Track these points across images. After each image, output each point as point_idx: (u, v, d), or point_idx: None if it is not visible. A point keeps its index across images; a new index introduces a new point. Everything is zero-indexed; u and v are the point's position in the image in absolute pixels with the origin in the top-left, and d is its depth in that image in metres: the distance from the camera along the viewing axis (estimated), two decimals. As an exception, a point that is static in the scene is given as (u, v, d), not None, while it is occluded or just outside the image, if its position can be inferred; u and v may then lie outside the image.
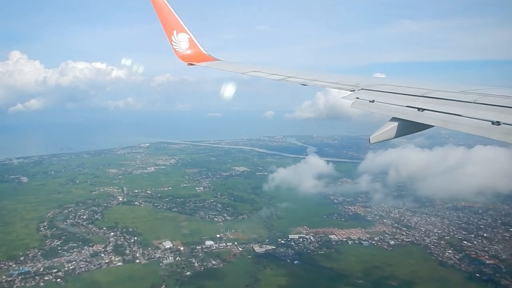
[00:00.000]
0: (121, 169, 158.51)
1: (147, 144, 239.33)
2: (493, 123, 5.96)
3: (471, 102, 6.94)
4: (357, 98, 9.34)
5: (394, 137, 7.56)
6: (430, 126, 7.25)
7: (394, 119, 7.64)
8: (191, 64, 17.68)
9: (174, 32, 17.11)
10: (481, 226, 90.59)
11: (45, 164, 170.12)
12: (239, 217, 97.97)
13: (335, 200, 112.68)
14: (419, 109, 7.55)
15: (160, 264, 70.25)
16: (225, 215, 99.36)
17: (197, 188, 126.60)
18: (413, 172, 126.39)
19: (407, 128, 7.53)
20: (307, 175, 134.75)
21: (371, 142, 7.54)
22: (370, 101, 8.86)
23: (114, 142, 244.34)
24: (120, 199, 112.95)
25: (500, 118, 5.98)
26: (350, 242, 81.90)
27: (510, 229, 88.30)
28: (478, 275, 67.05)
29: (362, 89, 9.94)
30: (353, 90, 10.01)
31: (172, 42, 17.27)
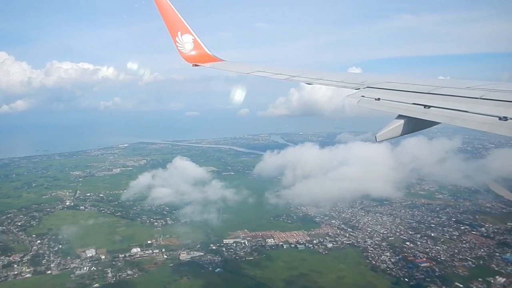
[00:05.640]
0: (86, 171, 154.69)
1: (126, 145, 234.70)
2: (500, 118, 5.92)
3: (477, 98, 6.90)
4: (363, 96, 9.16)
5: (401, 135, 7.46)
6: (436, 123, 7.22)
7: (400, 116, 7.54)
8: (196, 65, 17.63)
9: (179, 33, 17.14)
10: (432, 225, 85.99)
11: (11, 167, 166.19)
12: (182, 221, 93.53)
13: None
14: (425, 106, 7.45)
15: (72, 275, 65.76)
16: (167, 219, 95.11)
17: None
18: (306, 173, 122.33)
19: (414, 125, 7.47)
20: (176, 179, 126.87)
21: (377, 140, 7.47)
22: (375, 99, 8.70)
23: (94, 143, 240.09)
24: (67, 203, 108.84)
25: (507, 113, 5.95)
26: (285, 246, 77.37)
27: (462, 227, 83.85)
28: (406, 279, 62.52)
29: (367, 87, 9.79)
30: (358, 89, 9.84)
31: (177, 43, 17.32)
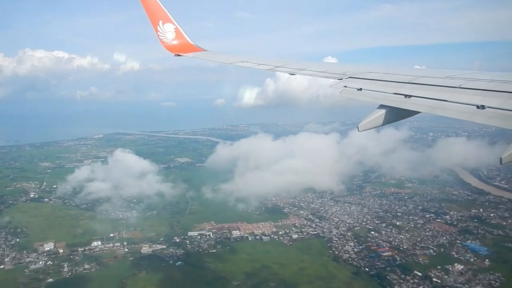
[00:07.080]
0: (56, 163, 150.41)
1: (101, 135, 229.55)
2: (478, 107, 6.01)
3: (456, 87, 7.00)
4: (345, 86, 9.20)
5: (382, 125, 7.56)
6: (417, 112, 7.27)
7: (381, 106, 7.58)
8: (178, 55, 17.37)
9: (160, 23, 16.75)
10: (398, 214, 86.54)
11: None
12: (148, 213, 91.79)
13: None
14: (406, 95, 7.55)
15: (26, 270, 63.66)
16: (134, 211, 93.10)
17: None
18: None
19: (395, 115, 7.49)
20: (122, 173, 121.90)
21: (359, 130, 7.49)
22: (357, 89, 8.77)
23: (68, 134, 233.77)
24: (31, 196, 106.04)
25: (484, 102, 6.04)
26: (250, 238, 76.65)
27: (427, 215, 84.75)
28: (367, 269, 62.40)
29: (349, 77, 9.79)
30: (341, 79, 9.83)
31: (158, 33, 16.98)
